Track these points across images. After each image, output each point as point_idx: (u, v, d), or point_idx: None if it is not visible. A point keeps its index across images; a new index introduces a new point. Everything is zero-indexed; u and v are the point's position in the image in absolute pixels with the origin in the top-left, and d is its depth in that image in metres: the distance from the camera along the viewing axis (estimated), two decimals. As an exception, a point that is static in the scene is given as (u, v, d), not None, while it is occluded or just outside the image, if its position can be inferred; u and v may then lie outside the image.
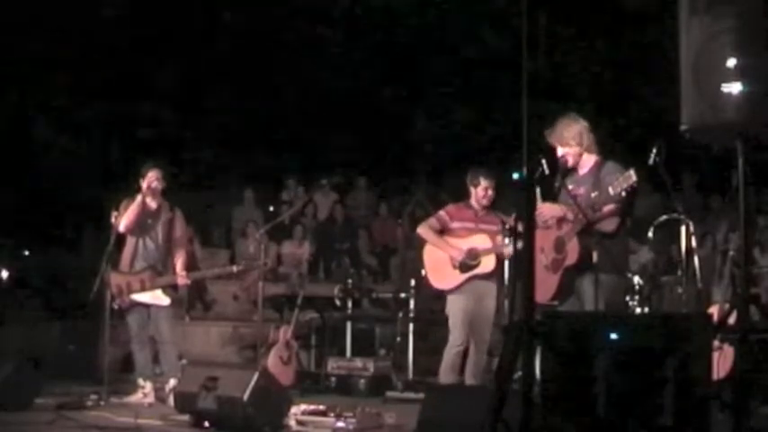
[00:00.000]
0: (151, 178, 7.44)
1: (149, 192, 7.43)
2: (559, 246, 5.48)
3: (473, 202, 7.24)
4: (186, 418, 5.93)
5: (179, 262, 7.51)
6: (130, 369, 7.99)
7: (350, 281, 9.24)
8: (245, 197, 13.88)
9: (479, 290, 7.12)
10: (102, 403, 6.84)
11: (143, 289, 7.35)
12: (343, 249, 13.07)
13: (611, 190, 5.18)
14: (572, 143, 5.59)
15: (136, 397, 7.26)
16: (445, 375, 7.13)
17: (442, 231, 7.26)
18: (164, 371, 7.45)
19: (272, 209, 13.67)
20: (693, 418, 3.53)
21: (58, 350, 8.96)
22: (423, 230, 7.32)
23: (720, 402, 3.96)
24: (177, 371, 7.22)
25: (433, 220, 7.33)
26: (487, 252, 7.05)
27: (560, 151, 5.62)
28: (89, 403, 6.78)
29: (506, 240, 6.97)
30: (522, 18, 3.49)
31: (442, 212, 7.33)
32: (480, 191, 7.18)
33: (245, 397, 5.50)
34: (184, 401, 5.92)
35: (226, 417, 5.64)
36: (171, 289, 7.47)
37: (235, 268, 8.00)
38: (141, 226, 7.47)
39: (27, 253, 13.10)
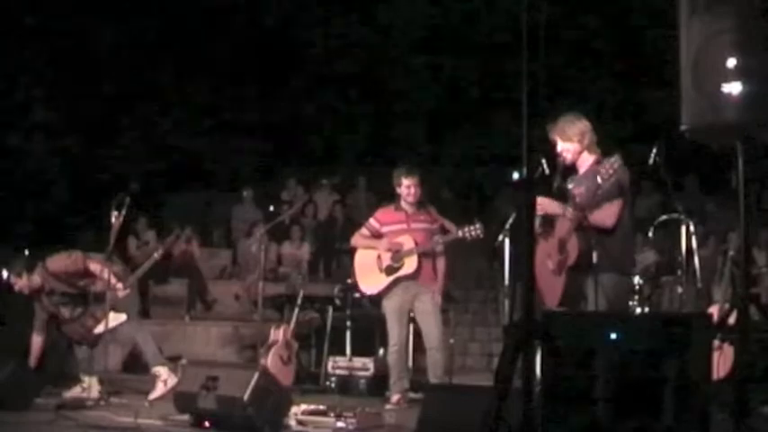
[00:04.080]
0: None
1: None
2: (561, 247, 5.45)
3: (402, 202, 7.23)
4: (186, 418, 5.92)
5: (105, 276, 7.25)
6: (130, 369, 8.00)
7: (350, 281, 9.22)
8: (244, 197, 13.87)
9: (411, 290, 7.10)
10: (102, 403, 6.84)
11: (98, 324, 7.31)
12: (343, 249, 13.06)
13: (599, 179, 5.17)
14: (573, 140, 5.56)
15: (74, 391, 7.29)
16: (397, 377, 7.13)
17: (375, 238, 7.28)
18: (146, 362, 7.50)
19: (272, 209, 13.68)
20: (693, 418, 3.53)
21: (59, 350, 8.95)
22: (354, 239, 7.47)
23: (720, 402, 3.96)
24: (159, 359, 7.39)
25: (363, 230, 7.41)
26: (410, 253, 7.05)
27: (560, 146, 5.60)
28: (89, 403, 6.78)
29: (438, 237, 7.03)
30: (522, 18, 3.48)
31: (371, 219, 7.39)
32: (404, 189, 7.18)
33: (245, 397, 5.49)
34: (184, 401, 5.91)
35: (226, 417, 5.63)
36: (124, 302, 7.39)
37: (157, 253, 7.67)
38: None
39: (27, 253, 13.07)
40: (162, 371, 7.30)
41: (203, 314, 11.43)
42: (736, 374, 4.15)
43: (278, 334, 8.24)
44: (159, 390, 7.21)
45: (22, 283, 7.49)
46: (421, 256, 7.05)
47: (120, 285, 7.32)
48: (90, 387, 7.25)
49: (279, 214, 12.13)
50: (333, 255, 13.09)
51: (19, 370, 6.70)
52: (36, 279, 7.46)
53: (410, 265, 7.06)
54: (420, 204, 7.23)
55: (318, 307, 9.13)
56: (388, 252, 7.12)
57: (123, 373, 8.55)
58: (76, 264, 7.39)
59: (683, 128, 4.05)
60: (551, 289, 5.41)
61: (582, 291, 5.44)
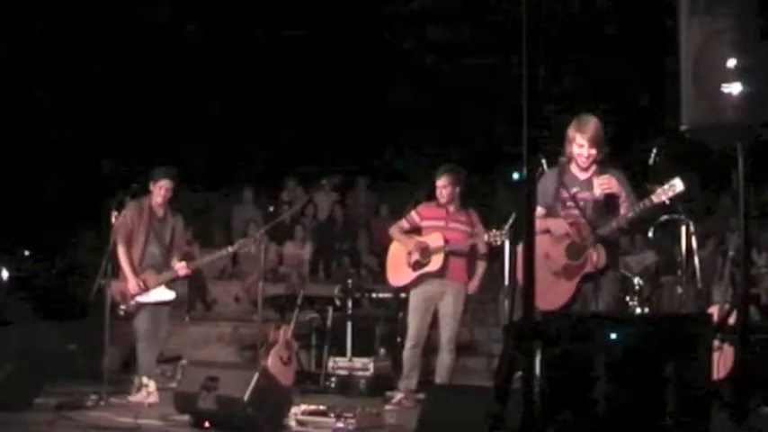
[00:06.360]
0: (166, 187, 7.55)
1: (160, 201, 7.56)
2: (575, 252, 5.40)
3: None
4: (186, 418, 5.93)
5: (176, 258, 7.62)
6: (130, 369, 7.99)
7: (350, 281, 9.24)
8: (244, 197, 13.87)
9: (436, 288, 7.16)
10: (102, 403, 6.84)
11: (146, 289, 7.41)
12: (343, 249, 13.07)
13: (654, 198, 5.11)
14: (595, 146, 5.42)
15: (140, 396, 7.26)
16: (405, 374, 7.19)
17: (414, 231, 7.36)
18: (139, 367, 7.49)
19: (272, 209, 13.67)
20: (693, 418, 3.53)
21: (58, 350, 8.96)
22: (392, 230, 7.54)
23: (720, 402, 3.96)
24: (152, 370, 7.42)
25: (402, 221, 7.49)
26: (438, 250, 7.11)
27: (579, 146, 5.44)
28: (89, 403, 6.78)
29: (486, 236, 7.01)
30: (523, 16, 3.47)
31: (412, 212, 7.47)
32: (438, 189, 7.25)
33: (246, 397, 5.50)
34: (184, 401, 5.92)
35: (226, 417, 5.64)
36: (173, 283, 7.59)
37: (230, 248, 7.88)
38: (149, 231, 7.54)
39: (27, 253, 13.08)
40: (152, 384, 7.30)
41: (203, 314, 11.43)
42: (736, 374, 4.16)
43: (278, 334, 8.24)
44: (140, 397, 7.22)
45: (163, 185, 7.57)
46: (449, 254, 7.12)
47: (183, 263, 7.54)
48: (153, 391, 7.26)
49: (279, 214, 12.13)
50: (333, 255, 13.09)
51: (19, 370, 6.70)
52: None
53: (436, 262, 7.14)
54: (462, 206, 7.31)
55: (318, 307, 9.13)
56: (418, 249, 7.18)
57: (123, 374, 8.53)
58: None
59: (683, 128, 4.05)
60: (549, 291, 5.27)
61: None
